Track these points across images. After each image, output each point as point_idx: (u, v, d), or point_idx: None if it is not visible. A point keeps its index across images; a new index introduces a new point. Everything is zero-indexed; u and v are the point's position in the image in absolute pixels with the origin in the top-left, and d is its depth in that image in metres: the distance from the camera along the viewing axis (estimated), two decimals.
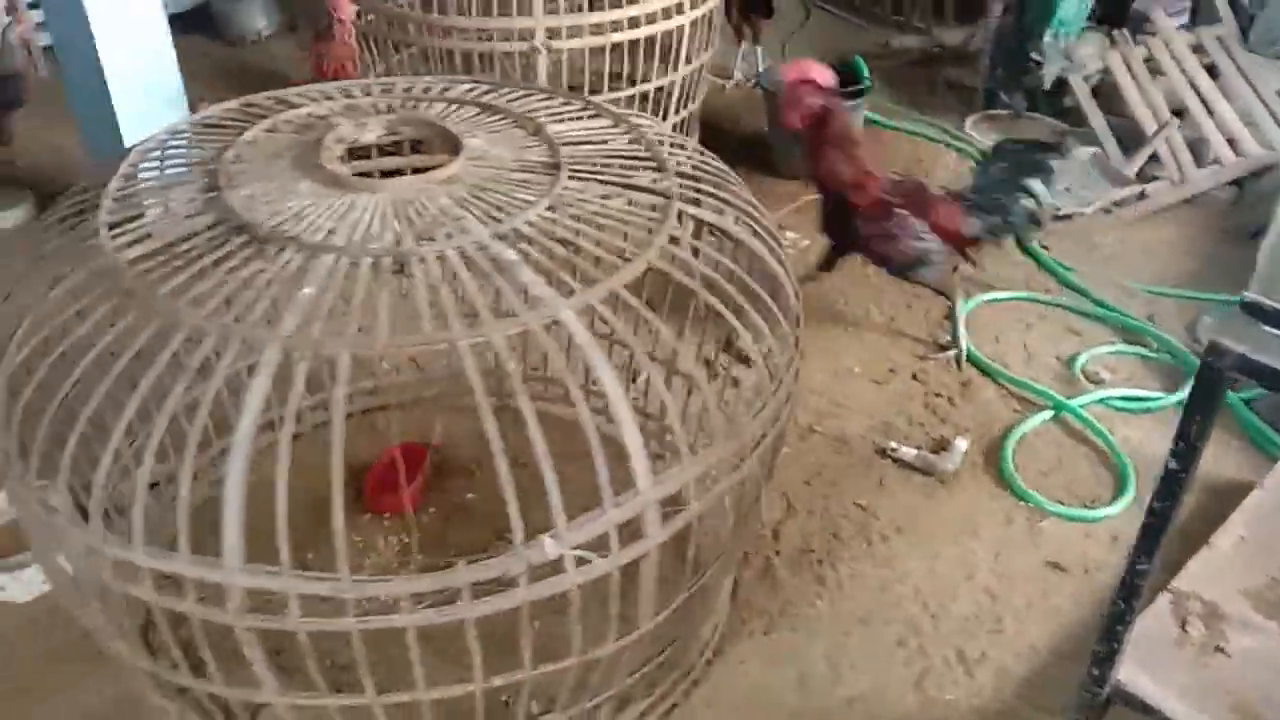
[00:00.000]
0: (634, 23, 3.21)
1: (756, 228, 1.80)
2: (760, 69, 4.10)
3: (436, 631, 1.40)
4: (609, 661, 1.60)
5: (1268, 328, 1.25)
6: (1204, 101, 3.78)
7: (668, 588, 1.60)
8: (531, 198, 1.64)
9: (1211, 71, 3.91)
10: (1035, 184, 2.83)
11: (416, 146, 1.84)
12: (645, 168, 1.77)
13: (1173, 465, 1.33)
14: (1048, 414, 2.70)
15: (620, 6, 3.17)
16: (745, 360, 2.05)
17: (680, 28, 3.30)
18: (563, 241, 1.57)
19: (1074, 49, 4.01)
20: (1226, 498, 2.20)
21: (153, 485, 1.81)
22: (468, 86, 2.05)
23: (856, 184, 2.75)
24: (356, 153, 1.82)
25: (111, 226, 1.58)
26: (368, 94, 2.00)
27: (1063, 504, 2.45)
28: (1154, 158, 3.67)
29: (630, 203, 1.69)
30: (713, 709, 1.97)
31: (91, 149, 3.41)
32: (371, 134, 1.79)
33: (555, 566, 1.39)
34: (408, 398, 2.63)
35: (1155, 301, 3.17)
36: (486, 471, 2.47)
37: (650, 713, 1.88)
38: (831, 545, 2.34)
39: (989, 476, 2.55)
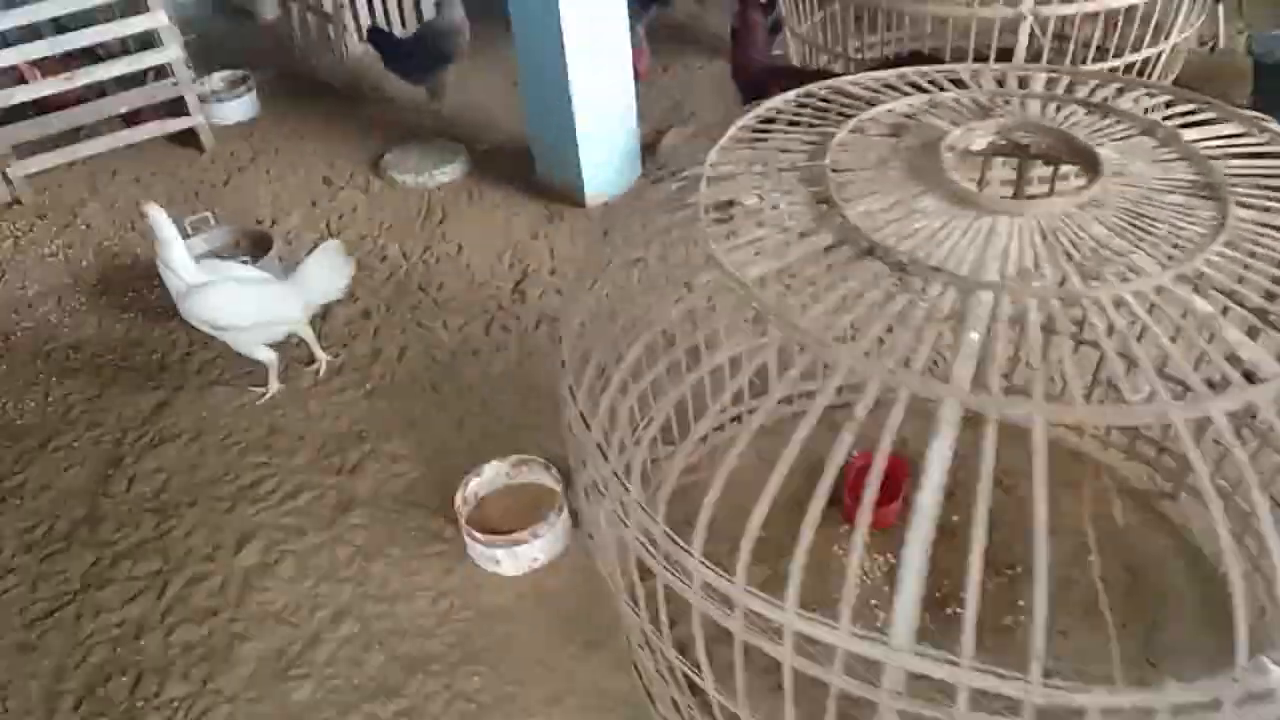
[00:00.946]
0: None
1: None
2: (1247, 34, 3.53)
3: None
4: None
5: None
6: None
7: None
8: (1200, 230, 1.38)
9: None
10: None
11: (1021, 150, 1.62)
12: None
13: None
14: None
15: None
16: None
17: None
18: (1257, 290, 1.30)
19: None
20: None
21: None
22: (1042, 77, 1.81)
23: None
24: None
25: (715, 233, 1.47)
26: (933, 83, 1.80)
27: None
28: None
29: None
30: None
31: (535, 108, 3.45)
32: (983, 141, 1.58)
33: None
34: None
35: None
36: (966, 493, 2.28)
37: None
38: None
39: None
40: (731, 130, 1.71)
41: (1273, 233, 1.39)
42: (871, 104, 1.74)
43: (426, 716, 1.94)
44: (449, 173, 3.70)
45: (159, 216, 2.54)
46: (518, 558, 2.20)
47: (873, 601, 2.05)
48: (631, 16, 4.00)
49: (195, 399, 2.80)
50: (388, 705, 1.97)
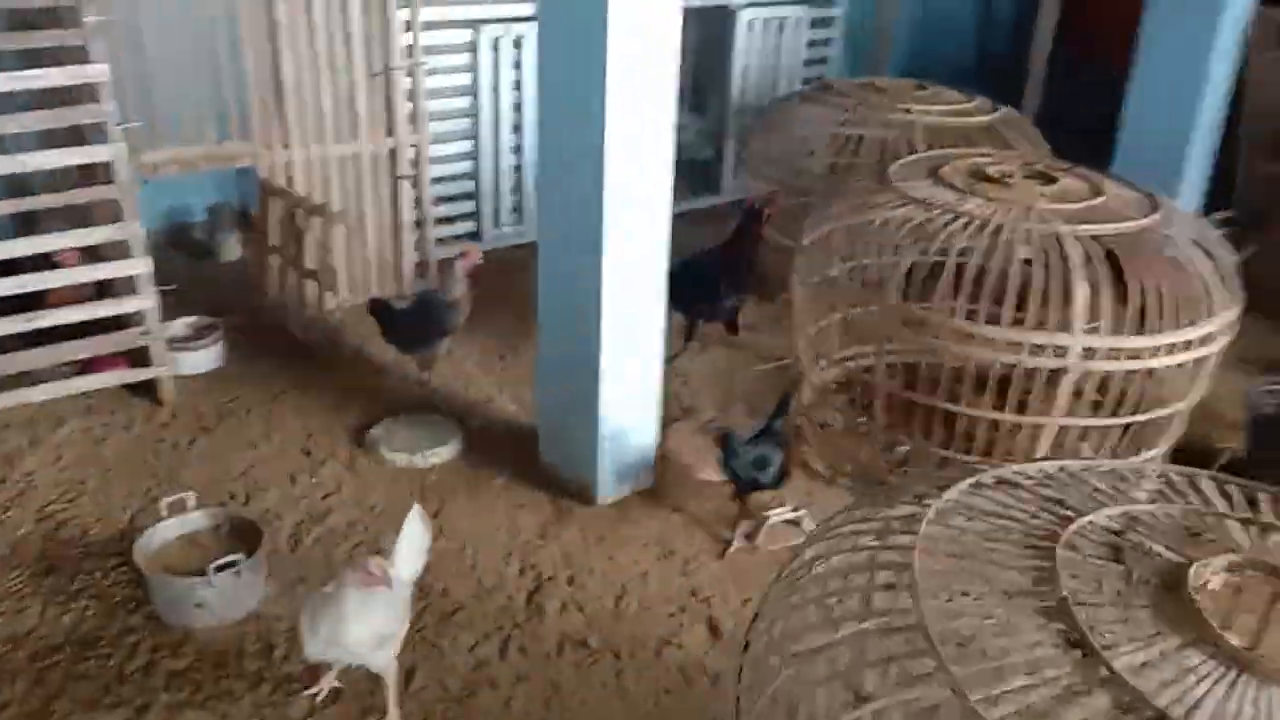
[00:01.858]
0: (1174, 348, 2.93)
1: None
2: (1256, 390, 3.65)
3: None
4: None
5: None
6: None
7: None
8: None
9: None
10: None
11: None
12: None
13: None
14: None
15: (1161, 332, 2.91)
16: None
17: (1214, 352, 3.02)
18: None
19: None
20: None
21: None
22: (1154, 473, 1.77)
23: None
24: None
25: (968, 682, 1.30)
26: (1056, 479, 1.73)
27: None
28: None
29: None
30: None
31: (551, 394, 3.26)
32: (1219, 579, 1.49)
33: None
34: None
35: None
36: None
37: None
38: None
39: None
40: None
41: None
42: (1060, 503, 1.66)
43: None
44: (442, 453, 3.47)
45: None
46: None
47: None
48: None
49: None
50: None
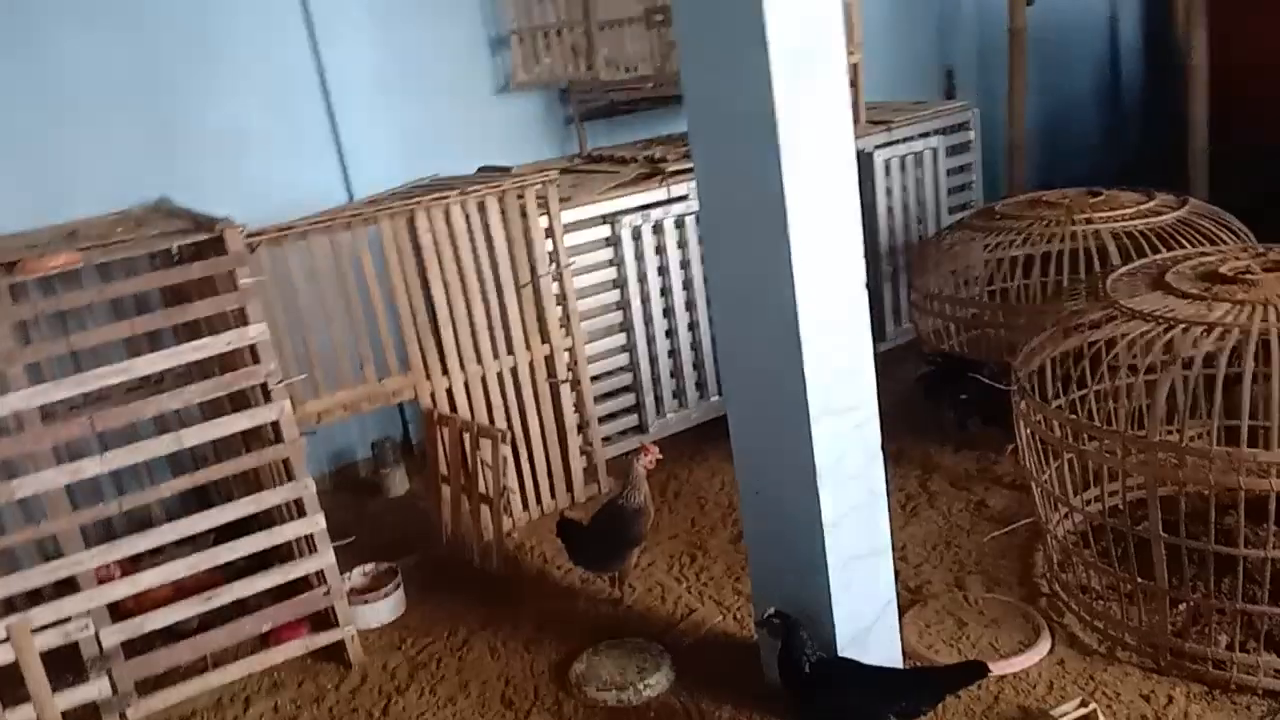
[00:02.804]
0: None
1: None
2: None
3: None
4: None
5: None
6: None
7: None
8: None
9: None
10: None
11: None
12: None
13: None
14: None
15: None
16: None
17: None
18: None
19: None
20: None
21: None
22: None
23: None
24: None
25: None
26: None
27: None
28: None
29: None
30: None
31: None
32: None
33: None
34: None
35: None
36: None
37: None
38: None
39: None
40: None
41: None
42: None
43: None
44: (655, 684, 3.07)
45: None
46: None
47: None
48: None
49: None
50: None
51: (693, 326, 4.71)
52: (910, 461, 4.28)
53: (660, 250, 4.55)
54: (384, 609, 3.68)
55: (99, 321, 3.65)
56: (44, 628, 2.98)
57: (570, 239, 4.27)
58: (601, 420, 4.51)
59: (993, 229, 4.31)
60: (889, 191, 5.28)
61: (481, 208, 3.93)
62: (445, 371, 3.96)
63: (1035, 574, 3.38)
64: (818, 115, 2.44)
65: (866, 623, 2.82)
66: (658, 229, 4.52)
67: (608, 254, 4.46)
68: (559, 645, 3.36)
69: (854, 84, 5.16)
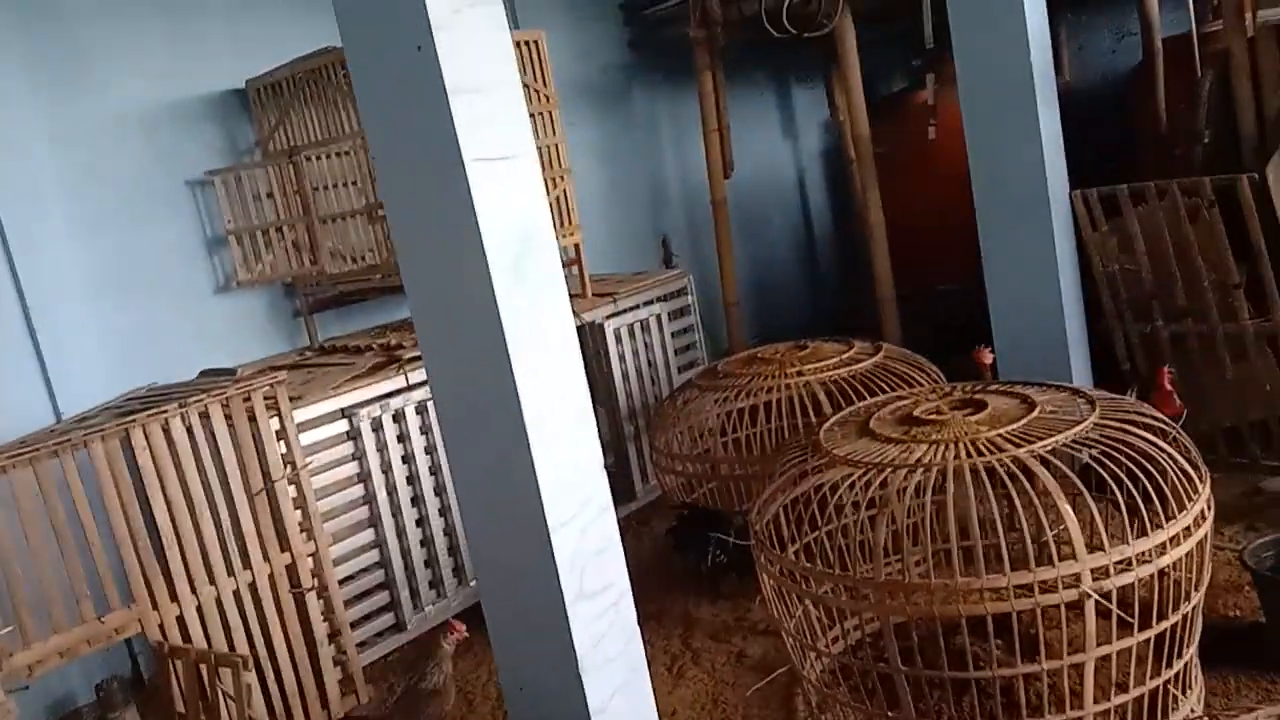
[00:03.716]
0: (1176, 541, 2.77)
1: None
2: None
3: None
4: None
5: None
6: None
7: None
8: None
9: None
10: None
11: None
12: None
13: None
14: None
15: (1162, 528, 2.75)
16: None
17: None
18: None
19: None
20: None
21: None
22: None
23: None
24: None
25: None
26: None
27: None
28: None
29: None
30: None
31: None
32: None
33: None
34: None
35: None
36: None
37: None
38: None
39: None
40: None
41: None
42: None
43: None
44: None
45: None
46: None
47: None
48: None
49: None
50: None
51: (444, 512, 4.64)
52: (671, 619, 4.36)
53: (403, 438, 4.50)
54: None
55: None
56: None
57: (306, 437, 4.14)
58: (355, 624, 4.30)
59: (717, 387, 4.60)
60: (622, 358, 5.53)
61: (205, 416, 3.76)
62: (174, 598, 3.66)
63: (799, 719, 3.50)
64: (538, 305, 2.56)
65: None
66: (398, 417, 4.48)
67: (348, 448, 4.36)
68: None
69: (577, 262, 5.45)
